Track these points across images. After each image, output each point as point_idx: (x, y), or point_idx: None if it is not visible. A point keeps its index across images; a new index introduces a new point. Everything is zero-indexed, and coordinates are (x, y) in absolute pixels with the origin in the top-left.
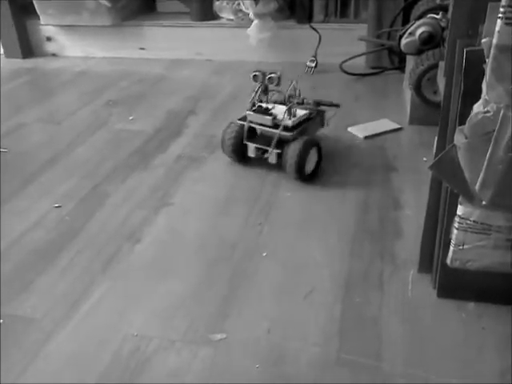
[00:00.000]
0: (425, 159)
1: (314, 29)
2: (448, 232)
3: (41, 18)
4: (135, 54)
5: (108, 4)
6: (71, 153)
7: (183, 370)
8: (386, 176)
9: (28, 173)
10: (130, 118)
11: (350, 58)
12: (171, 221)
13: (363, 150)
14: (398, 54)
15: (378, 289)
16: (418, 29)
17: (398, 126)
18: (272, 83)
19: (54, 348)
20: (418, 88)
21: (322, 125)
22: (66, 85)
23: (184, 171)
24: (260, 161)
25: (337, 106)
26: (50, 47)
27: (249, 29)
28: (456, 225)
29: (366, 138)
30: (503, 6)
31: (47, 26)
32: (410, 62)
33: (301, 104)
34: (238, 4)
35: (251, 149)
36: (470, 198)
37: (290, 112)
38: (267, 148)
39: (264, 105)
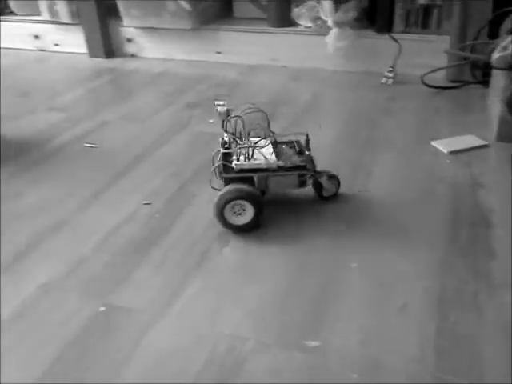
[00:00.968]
0: None
1: (394, 39)
2: None
3: (124, 19)
4: (212, 58)
5: (188, 7)
6: (156, 151)
7: (280, 374)
8: (474, 193)
9: (117, 168)
10: (211, 121)
11: (433, 71)
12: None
13: (448, 165)
14: (482, 67)
15: (475, 309)
16: None
17: (484, 143)
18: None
19: (153, 339)
20: (510, 105)
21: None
22: (147, 85)
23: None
24: None
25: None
26: (130, 48)
27: (327, 36)
28: None
29: (451, 153)
30: None
31: (128, 27)
32: (498, 77)
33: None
34: (317, 12)
35: None
36: None
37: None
38: None
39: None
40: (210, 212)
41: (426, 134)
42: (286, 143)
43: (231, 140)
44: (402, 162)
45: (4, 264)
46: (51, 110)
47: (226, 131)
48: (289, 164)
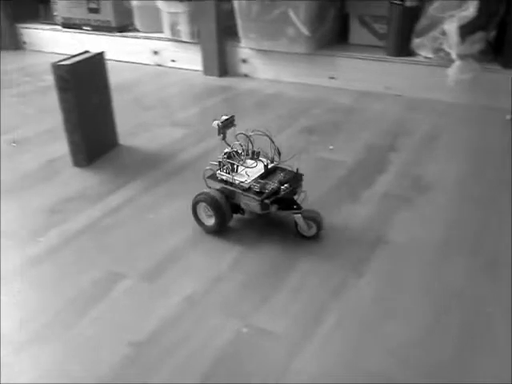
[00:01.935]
0: None
1: None
2: None
3: (242, 41)
4: (324, 83)
5: (308, 33)
6: None
7: None
8: None
9: None
10: (330, 147)
11: None
12: (390, 260)
13: None
14: None
15: None
16: None
17: None
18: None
19: (300, 366)
20: None
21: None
22: (261, 106)
23: (395, 210)
24: None
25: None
26: (244, 68)
27: (449, 68)
28: None
29: None
30: None
31: (244, 48)
32: None
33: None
34: (441, 43)
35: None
36: None
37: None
38: None
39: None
40: (340, 242)
41: None
42: (283, 170)
43: (232, 153)
44: None
45: (147, 275)
46: (175, 125)
47: (225, 142)
48: (256, 188)
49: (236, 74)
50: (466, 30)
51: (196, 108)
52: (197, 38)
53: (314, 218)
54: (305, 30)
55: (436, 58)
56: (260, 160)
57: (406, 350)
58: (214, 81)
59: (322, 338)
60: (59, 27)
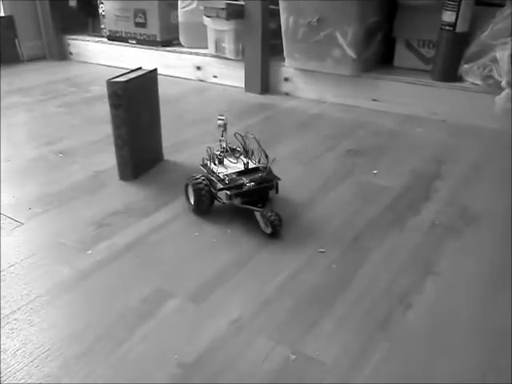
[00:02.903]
0: None
1: None
2: None
3: (286, 60)
4: (367, 105)
5: (354, 56)
6: (325, 196)
7: None
8: None
9: (288, 211)
10: (374, 171)
11: None
12: (440, 292)
13: None
14: None
15: None
16: None
17: None
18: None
19: None
20: None
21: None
22: (305, 126)
23: (443, 240)
24: None
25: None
26: (285, 87)
27: (497, 96)
28: None
29: None
30: None
31: (288, 68)
32: None
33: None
34: (490, 70)
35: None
36: None
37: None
38: None
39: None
40: (387, 271)
41: None
42: (263, 172)
43: (227, 148)
44: None
45: (194, 294)
46: (217, 141)
47: (222, 140)
48: (226, 180)
49: (277, 92)
50: None
51: (238, 126)
52: (241, 55)
53: (270, 220)
54: (351, 53)
55: (484, 85)
56: (252, 160)
57: None
58: (255, 98)
59: (371, 370)
60: (105, 39)
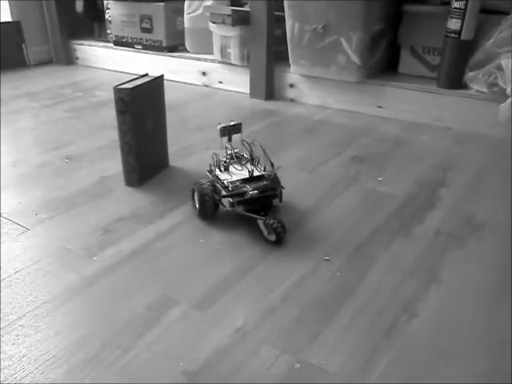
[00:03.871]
0: None
1: None
2: None
3: (292, 67)
4: (372, 111)
5: (359, 62)
6: (330, 204)
7: None
8: None
9: (293, 218)
10: (379, 178)
11: None
12: (445, 300)
13: None
14: None
15: None
16: None
17: None
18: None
19: None
20: None
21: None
22: (309, 132)
23: (447, 248)
24: None
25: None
26: (290, 93)
27: (502, 104)
28: None
29: None
30: None
31: (293, 74)
32: None
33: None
34: (495, 78)
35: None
36: None
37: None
38: None
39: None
40: (392, 279)
41: None
42: (267, 180)
43: (234, 155)
44: None
45: (199, 302)
46: (223, 147)
47: (226, 146)
48: (230, 187)
49: (282, 98)
50: None
51: (243, 132)
52: (246, 61)
53: (273, 228)
54: (356, 59)
55: (489, 93)
56: (257, 167)
57: None
58: (260, 104)
59: (376, 378)
60: (111, 45)
